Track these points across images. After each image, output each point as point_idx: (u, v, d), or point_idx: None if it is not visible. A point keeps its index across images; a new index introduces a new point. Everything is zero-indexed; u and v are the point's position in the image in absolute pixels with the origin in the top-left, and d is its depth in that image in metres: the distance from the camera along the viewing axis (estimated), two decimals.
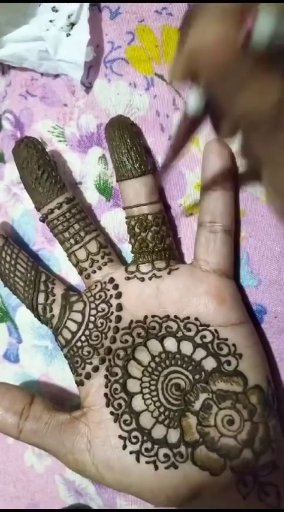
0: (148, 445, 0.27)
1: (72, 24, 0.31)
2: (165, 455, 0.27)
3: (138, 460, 0.27)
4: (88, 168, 0.33)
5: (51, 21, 0.31)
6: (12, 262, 0.31)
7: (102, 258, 0.30)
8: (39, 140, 0.31)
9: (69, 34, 0.31)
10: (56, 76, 0.33)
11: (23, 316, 0.37)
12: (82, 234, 0.30)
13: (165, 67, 0.30)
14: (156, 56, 0.30)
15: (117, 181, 0.30)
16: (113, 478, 0.27)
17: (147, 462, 0.27)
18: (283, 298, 0.29)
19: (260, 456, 0.26)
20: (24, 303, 0.31)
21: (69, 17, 0.30)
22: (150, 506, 0.34)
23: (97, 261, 0.30)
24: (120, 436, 0.27)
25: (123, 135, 0.29)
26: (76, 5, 0.30)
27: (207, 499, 0.27)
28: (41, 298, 0.30)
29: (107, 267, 0.30)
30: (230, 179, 0.28)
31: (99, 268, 0.30)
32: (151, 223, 0.29)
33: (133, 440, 0.27)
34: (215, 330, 0.27)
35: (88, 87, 0.32)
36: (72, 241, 0.30)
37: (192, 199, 0.31)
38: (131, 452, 0.27)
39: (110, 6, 0.31)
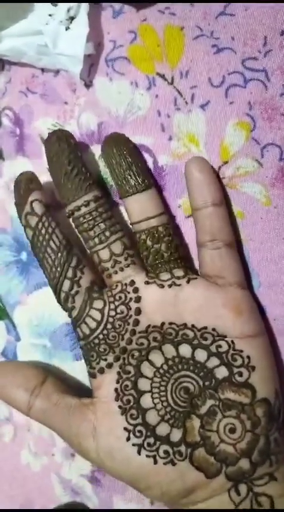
0: (151, 440, 0.28)
1: (72, 18, 0.30)
2: (165, 451, 0.28)
3: (139, 452, 0.28)
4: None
5: (50, 15, 0.31)
6: (47, 236, 0.30)
7: (126, 259, 0.30)
8: (72, 134, 0.31)
9: (69, 28, 0.30)
10: (57, 73, 0.33)
11: (22, 314, 0.37)
12: (107, 233, 0.30)
13: (167, 66, 0.30)
14: (158, 55, 0.30)
15: (120, 198, 0.30)
16: (113, 466, 0.29)
17: (147, 456, 0.28)
18: (282, 301, 0.29)
19: (257, 467, 0.27)
20: (48, 281, 0.30)
21: (68, 10, 0.30)
22: (147, 505, 0.34)
23: (120, 262, 0.30)
24: (125, 428, 0.28)
25: (122, 151, 0.29)
26: None
27: (198, 500, 0.28)
28: (66, 285, 0.30)
29: (129, 269, 0.30)
30: (218, 192, 0.28)
31: (121, 269, 0.30)
32: (163, 234, 0.29)
33: (137, 434, 0.28)
34: (232, 341, 0.28)
35: (89, 85, 0.32)
36: (96, 240, 0.30)
37: None
38: (134, 445, 0.28)
39: (113, 5, 0.31)
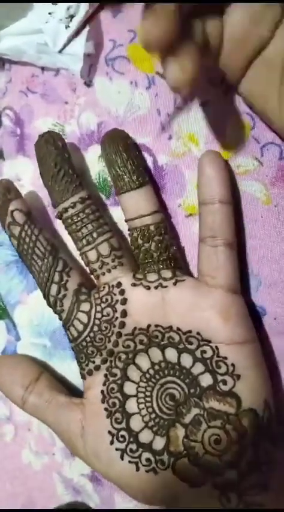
0: (134, 446, 0.28)
1: (71, 16, 0.30)
2: (147, 459, 0.27)
3: (122, 457, 0.28)
4: (88, 166, 0.33)
5: (50, 13, 0.31)
6: (31, 244, 0.30)
7: (113, 261, 0.30)
8: (61, 136, 0.31)
9: (68, 26, 0.30)
10: (57, 73, 0.33)
11: (22, 314, 0.37)
12: (94, 235, 0.30)
13: None
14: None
15: (116, 194, 0.30)
16: (100, 467, 0.29)
17: (129, 462, 0.28)
18: (283, 300, 0.29)
19: (245, 477, 0.26)
20: (38, 286, 0.31)
21: (68, 9, 0.30)
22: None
23: (107, 264, 0.30)
24: (110, 432, 0.28)
25: (118, 148, 0.29)
26: None
27: (185, 505, 0.27)
28: (53, 290, 0.30)
29: (116, 271, 0.30)
30: (227, 190, 0.28)
31: (108, 270, 0.30)
32: (153, 233, 0.29)
33: (121, 439, 0.28)
34: (216, 347, 0.27)
35: (89, 85, 0.32)
36: (84, 241, 0.30)
37: (192, 199, 0.30)
38: (117, 449, 0.28)
39: (112, 5, 0.31)
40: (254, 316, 0.30)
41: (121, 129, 0.31)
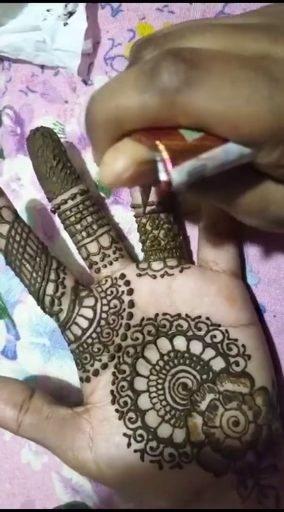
0: (154, 443, 0.26)
1: (70, 14, 0.31)
2: (170, 454, 0.26)
3: (142, 458, 0.26)
4: (88, 165, 0.33)
5: (48, 10, 0.31)
6: (22, 242, 0.29)
7: (114, 253, 0.29)
8: (54, 131, 0.31)
9: (67, 23, 0.31)
10: (57, 72, 0.33)
11: (21, 313, 0.37)
12: (94, 227, 0.29)
13: None
14: None
15: None
16: (115, 476, 0.27)
17: (151, 461, 0.26)
18: (282, 297, 0.29)
19: (262, 458, 0.26)
20: (28, 289, 0.29)
21: (66, 6, 0.30)
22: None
23: (109, 256, 0.29)
24: (125, 434, 0.27)
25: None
26: None
27: (206, 501, 0.26)
28: (50, 289, 0.29)
29: (118, 263, 0.29)
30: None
31: (110, 263, 0.29)
32: (163, 221, 0.29)
33: (138, 438, 0.27)
34: (226, 330, 0.27)
35: (88, 84, 0.32)
36: (84, 233, 0.29)
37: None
38: (135, 451, 0.26)
39: (111, 4, 0.31)
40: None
41: None
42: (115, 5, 0.31)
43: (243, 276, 0.30)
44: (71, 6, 0.30)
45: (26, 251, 0.29)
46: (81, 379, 0.29)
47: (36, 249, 0.29)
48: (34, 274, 0.29)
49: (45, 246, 0.30)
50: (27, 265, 0.29)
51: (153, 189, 0.28)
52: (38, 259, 0.29)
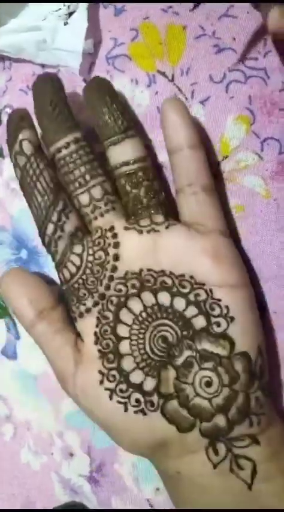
0: (124, 386, 0.27)
1: (70, 13, 0.31)
2: (137, 400, 0.27)
3: (110, 397, 0.27)
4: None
5: (56, 11, 0.31)
6: (34, 178, 0.29)
7: (106, 205, 0.29)
8: (60, 79, 0.30)
9: (67, 22, 0.31)
10: (58, 72, 0.33)
11: None
12: (87, 177, 0.29)
13: (168, 64, 0.30)
14: (159, 53, 0.30)
15: (101, 142, 0.30)
16: (86, 405, 0.29)
17: (118, 402, 0.27)
18: (282, 294, 0.30)
19: (234, 425, 0.26)
20: (35, 222, 0.30)
21: (68, 6, 0.31)
22: (146, 505, 0.34)
23: (100, 208, 0.29)
24: (100, 371, 0.28)
25: (102, 94, 0.29)
26: None
27: (172, 456, 0.27)
28: (50, 229, 0.29)
29: (109, 215, 0.29)
30: (195, 134, 0.28)
31: (101, 214, 0.29)
32: (141, 178, 0.29)
33: (111, 378, 0.28)
34: (210, 290, 0.27)
35: None
36: (76, 184, 0.29)
37: None
38: (106, 389, 0.28)
39: (115, 4, 0.31)
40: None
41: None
42: (118, 4, 0.31)
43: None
44: (72, 5, 0.30)
45: (36, 186, 0.29)
46: (72, 318, 0.30)
47: (47, 187, 0.29)
48: (39, 211, 0.29)
49: (58, 186, 0.30)
50: (36, 201, 0.30)
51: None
52: (45, 197, 0.29)
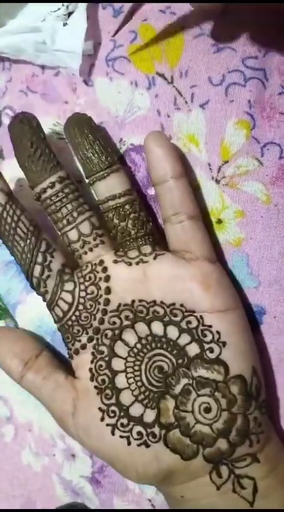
0: (124, 420, 0.28)
1: (69, 14, 0.31)
2: (139, 433, 0.28)
3: (113, 433, 0.28)
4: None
5: (55, 11, 0.31)
6: (13, 224, 0.30)
7: (94, 239, 0.30)
8: (36, 117, 0.30)
9: (66, 23, 0.31)
10: (57, 73, 0.33)
11: (23, 313, 0.37)
12: (75, 214, 0.30)
13: (167, 66, 0.30)
14: (157, 55, 0.30)
15: (86, 178, 0.30)
16: (90, 444, 0.29)
17: (121, 436, 0.28)
18: (282, 299, 0.29)
19: (236, 447, 0.27)
20: (20, 268, 0.31)
21: (67, 6, 0.30)
22: (147, 506, 0.34)
23: (89, 242, 0.30)
24: (100, 408, 0.28)
25: (83, 130, 0.29)
26: None
27: (177, 483, 0.28)
28: (37, 271, 0.30)
29: (98, 249, 0.30)
30: (178, 165, 0.28)
31: (90, 249, 0.30)
32: (129, 211, 0.29)
33: (111, 414, 0.28)
34: (201, 316, 0.28)
35: (89, 85, 0.32)
36: (64, 221, 0.30)
37: None
38: (107, 425, 0.28)
39: (113, 5, 0.31)
40: (252, 319, 0.30)
41: (120, 132, 0.31)
42: (117, 6, 0.31)
43: (240, 278, 0.30)
44: (71, 6, 0.30)
45: (16, 232, 0.30)
46: (68, 355, 0.31)
47: (27, 231, 0.30)
48: (23, 256, 0.30)
49: (38, 228, 0.30)
50: (18, 246, 0.30)
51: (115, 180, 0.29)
52: (28, 241, 0.30)
